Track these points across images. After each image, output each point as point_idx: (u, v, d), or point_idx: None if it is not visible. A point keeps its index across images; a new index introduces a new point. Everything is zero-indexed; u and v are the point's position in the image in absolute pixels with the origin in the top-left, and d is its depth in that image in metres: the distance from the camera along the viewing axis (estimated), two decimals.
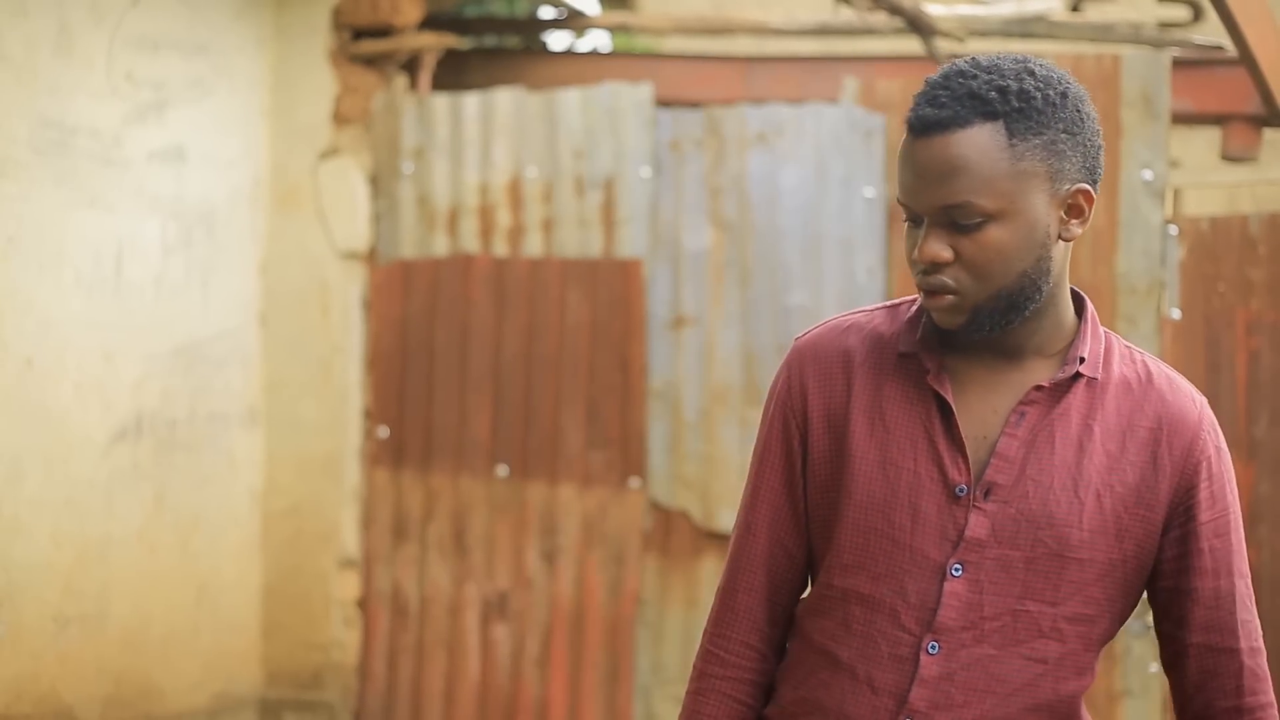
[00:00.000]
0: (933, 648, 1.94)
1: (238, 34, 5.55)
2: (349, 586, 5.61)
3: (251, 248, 5.62)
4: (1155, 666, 4.53)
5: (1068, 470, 1.95)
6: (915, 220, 1.94)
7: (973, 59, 1.95)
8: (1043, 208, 1.91)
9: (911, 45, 6.01)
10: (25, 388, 4.74)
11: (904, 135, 1.95)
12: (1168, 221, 4.62)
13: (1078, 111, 1.93)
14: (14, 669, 4.68)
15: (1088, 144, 1.94)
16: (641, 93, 5.47)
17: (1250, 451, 4.42)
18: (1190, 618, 1.98)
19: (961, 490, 1.95)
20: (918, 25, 5.57)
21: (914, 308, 2.04)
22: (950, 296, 1.92)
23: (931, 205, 1.91)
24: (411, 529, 5.60)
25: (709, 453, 5.35)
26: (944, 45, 5.67)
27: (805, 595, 2.08)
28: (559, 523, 5.47)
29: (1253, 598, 2.01)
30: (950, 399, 1.96)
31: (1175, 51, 5.30)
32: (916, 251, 1.93)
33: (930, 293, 1.93)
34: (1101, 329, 2.03)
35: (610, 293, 5.44)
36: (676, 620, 5.33)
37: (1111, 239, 4.68)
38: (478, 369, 5.55)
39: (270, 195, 5.67)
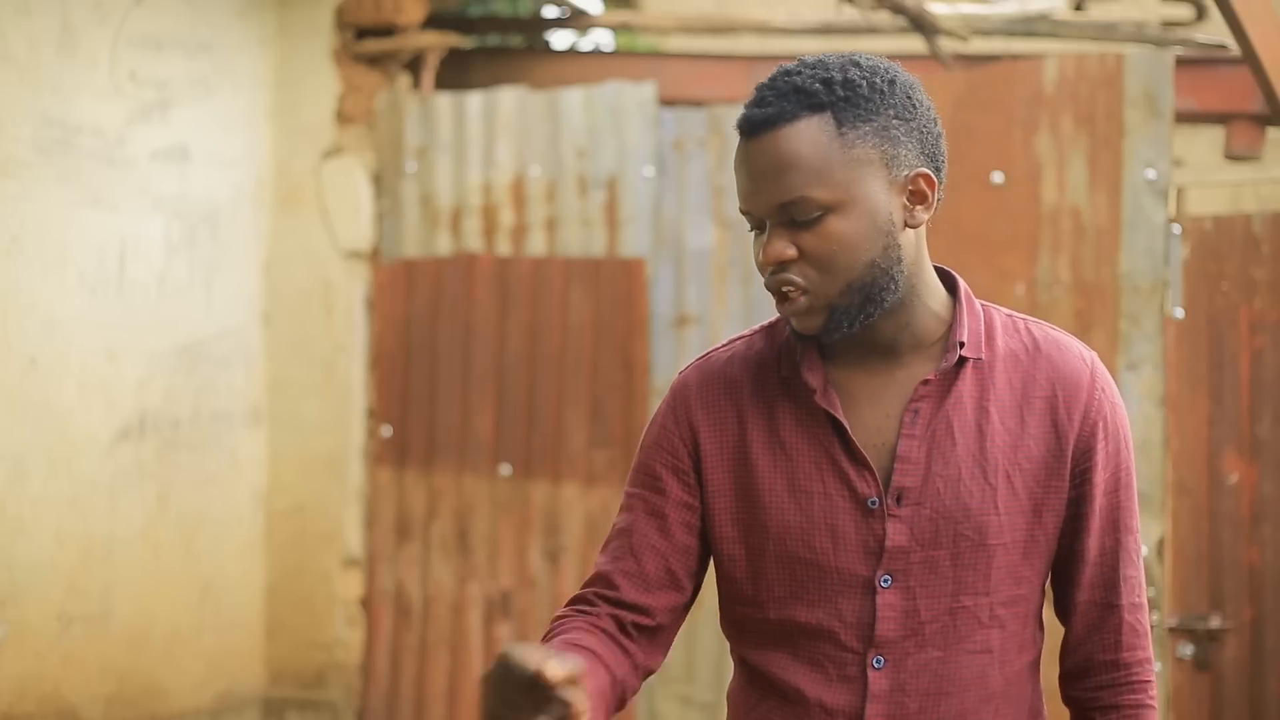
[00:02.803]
0: (878, 662, 1.94)
1: (241, 33, 5.55)
2: (352, 585, 5.61)
3: (255, 247, 5.62)
4: (1158, 666, 4.52)
5: (973, 458, 1.94)
6: (759, 226, 1.93)
7: (801, 59, 1.95)
8: (881, 195, 1.90)
9: (915, 44, 6.01)
10: (29, 387, 4.74)
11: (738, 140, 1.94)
12: (1171, 220, 4.62)
13: (908, 98, 1.92)
14: (18, 668, 4.69)
15: (923, 130, 1.93)
16: (645, 92, 5.47)
17: (1254, 451, 4.41)
18: (1079, 576, 2.00)
19: (874, 503, 1.94)
20: (921, 24, 5.57)
21: (789, 328, 2.02)
22: (802, 297, 1.90)
23: (769, 205, 1.90)
24: (415, 528, 5.60)
25: None
26: (947, 44, 5.67)
27: (734, 633, 2.05)
28: (562, 522, 5.47)
29: (1139, 552, 2.03)
30: (840, 415, 1.95)
31: (1179, 50, 5.30)
32: (760, 254, 1.91)
33: (782, 296, 1.92)
34: (978, 304, 2.01)
35: (613, 292, 5.44)
36: None
37: (1114, 238, 4.68)
38: (481, 368, 5.55)
39: (273, 194, 5.67)
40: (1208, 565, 4.40)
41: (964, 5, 5.85)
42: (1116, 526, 2.00)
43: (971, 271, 4.79)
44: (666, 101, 5.54)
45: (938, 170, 1.95)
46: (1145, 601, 2.03)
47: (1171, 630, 4.47)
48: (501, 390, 5.54)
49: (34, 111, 4.77)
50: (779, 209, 1.89)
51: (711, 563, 2.07)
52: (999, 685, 1.96)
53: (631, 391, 5.42)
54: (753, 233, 1.95)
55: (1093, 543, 1.99)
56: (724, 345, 2.09)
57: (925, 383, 1.95)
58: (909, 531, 1.93)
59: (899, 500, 1.93)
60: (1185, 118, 5.18)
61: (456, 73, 5.89)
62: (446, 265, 5.60)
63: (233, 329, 5.53)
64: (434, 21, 5.84)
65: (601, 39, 8.69)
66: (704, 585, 2.10)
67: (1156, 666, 4.50)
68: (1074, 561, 2.00)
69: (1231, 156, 5.41)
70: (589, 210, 5.50)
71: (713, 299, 5.38)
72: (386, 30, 5.68)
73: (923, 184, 1.92)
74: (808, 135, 1.88)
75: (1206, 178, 7.13)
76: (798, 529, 1.95)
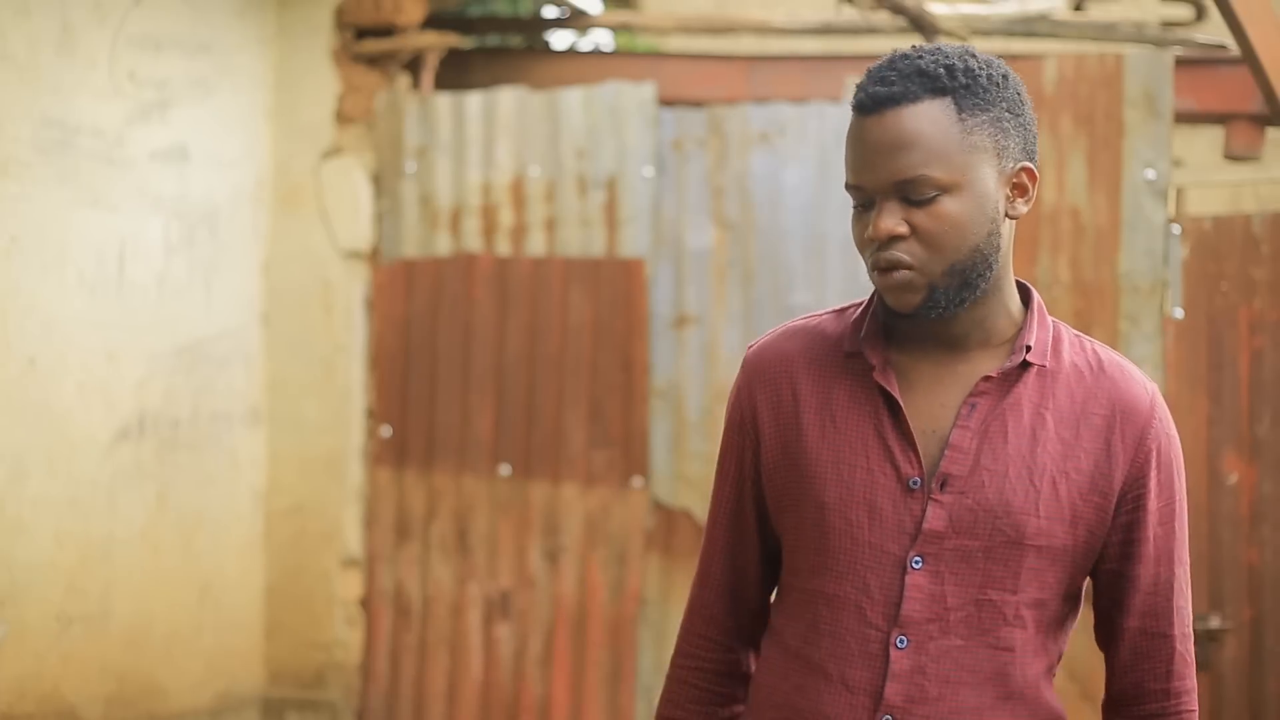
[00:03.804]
0: (901, 642, 1.95)
1: (240, 33, 5.55)
2: (352, 586, 5.61)
3: (254, 247, 5.62)
4: None
5: (1022, 459, 1.97)
6: (865, 203, 1.97)
7: (915, 46, 2.01)
8: (991, 183, 1.95)
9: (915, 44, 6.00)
10: (28, 387, 4.74)
11: (852, 117, 1.97)
12: (1170, 221, 4.62)
13: (1017, 93, 1.99)
14: (17, 668, 4.69)
15: (1027, 126, 1.99)
16: (644, 92, 5.47)
17: (1253, 451, 4.41)
18: (1129, 602, 2.02)
19: (915, 483, 1.97)
20: (921, 24, 5.57)
21: (860, 309, 2.07)
22: (906, 272, 1.94)
23: (885, 181, 1.93)
24: (414, 528, 5.60)
25: (712, 452, 5.35)
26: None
27: (775, 598, 2.10)
28: (561, 522, 5.47)
29: (1189, 584, 2.06)
30: (896, 393, 1.98)
31: (1178, 50, 5.30)
32: (870, 229, 1.95)
33: (885, 271, 1.95)
34: (1050, 318, 2.05)
35: (613, 292, 5.44)
36: (679, 620, 5.32)
37: (1114, 238, 4.68)
38: (480, 368, 5.55)
39: (273, 195, 5.67)
40: (1207, 565, 4.40)
41: (964, 5, 5.85)
42: (1171, 558, 2.03)
43: None
44: (666, 101, 5.54)
45: (1035, 161, 2.01)
46: (1191, 633, 2.06)
47: None
48: (501, 390, 5.54)
49: (34, 111, 4.77)
50: (895, 186, 1.93)
51: None
52: (1018, 686, 1.98)
53: (631, 392, 5.42)
54: (855, 209, 1.98)
55: (1146, 571, 2.01)
56: (795, 320, 2.15)
57: (987, 379, 1.98)
58: (948, 517, 1.95)
59: (943, 486, 1.96)
60: (1185, 118, 5.18)
61: (456, 73, 5.89)
62: (446, 265, 5.59)
63: (232, 329, 5.53)
64: (434, 21, 5.84)
65: (601, 39, 8.68)
66: None
67: None
68: (1125, 587, 2.02)
69: (1231, 156, 5.41)
70: (589, 210, 5.50)
71: (712, 299, 5.38)
72: (386, 30, 5.68)
73: (1025, 178, 1.98)
74: (930, 116, 1.92)
75: (1206, 178, 7.13)
76: (837, 500, 1.99)
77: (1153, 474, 2.01)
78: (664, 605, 5.37)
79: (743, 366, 2.14)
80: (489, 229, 5.59)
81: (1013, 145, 1.96)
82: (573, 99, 5.53)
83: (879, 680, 1.95)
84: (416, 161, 5.65)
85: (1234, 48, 4.79)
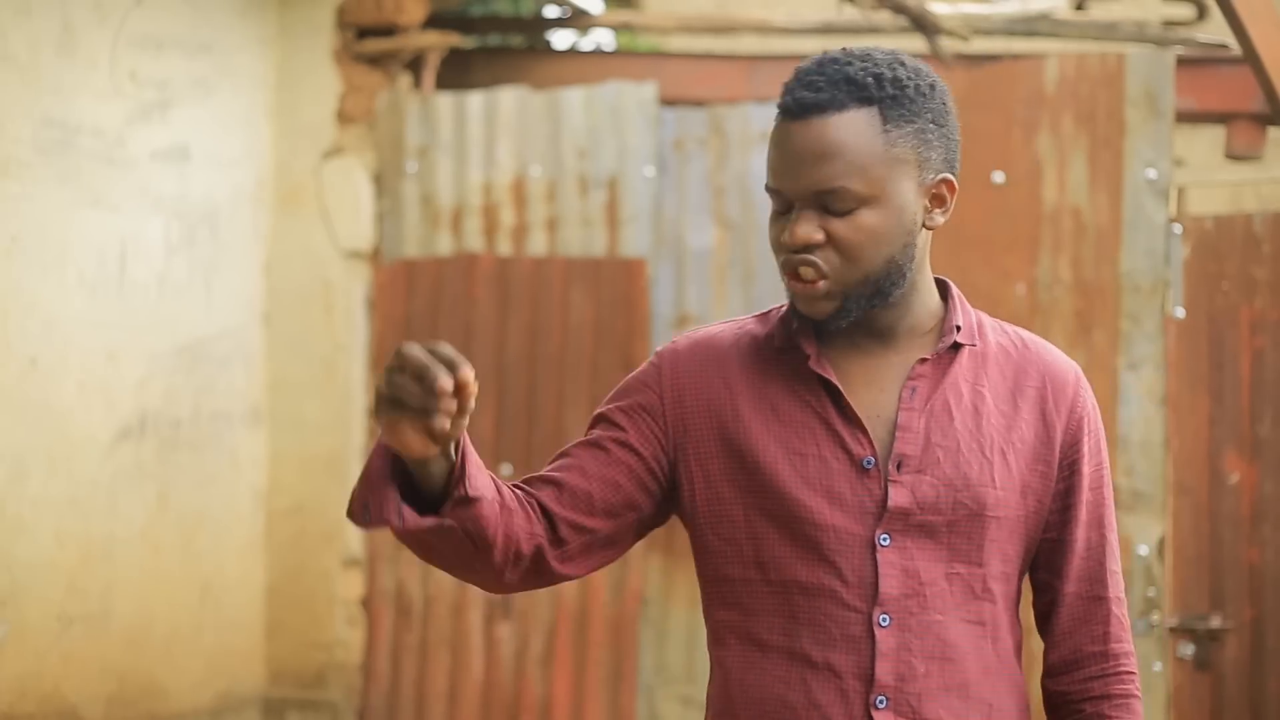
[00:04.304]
0: (884, 620, 1.95)
1: (241, 33, 5.55)
2: (353, 585, 5.61)
3: (255, 247, 5.62)
4: (1159, 665, 4.52)
5: (970, 434, 1.99)
6: (784, 208, 1.96)
7: (844, 49, 1.98)
8: (911, 195, 1.95)
9: (916, 44, 6.00)
10: (29, 387, 4.74)
11: (776, 118, 1.96)
12: (1172, 220, 4.62)
13: (943, 104, 1.98)
14: (18, 668, 4.69)
15: (950, 136, 1.99)
16: (645, 92, 5.47)
17: (1254, 451, 4.41)
18: (1067, 568, 2.05)
19: (869, 462, 1.97)
20: (922, 24, 5.56)
21: (785, 309, 2.05)
22: (821, 281, 1.94)
23: (805, 190, 1.93)
24: None
25: None
26: (948, 44, 5.67)
27: (741, 600, 2.02)
28: None
29: (1118, 548, 2.09)
30: (834, 378, 1.99)
31: (1179, 50, 5.30)
32: (787, 234, 1.94)
33: (798, 278, 1.95)
34: (970, 308, 2.07)
35: (614, 292, 5.44)
36: (680, 619, 5.33)
37: (1115, 238, 4.68)
38: (481, 368, 5.55)
39: (274, 194, 5.67)
40: (1208, 565, 4.40)
41: (965, 5, 5.85)
42: (1102, 522, 2.06)
43: (972, 271, 4.80)
44: (667, 101, 5.54)
45: (955, 176, 2.01)
46: (1126, 598, 2.09)
47: (1172, 630, 4.47)
48: (502, 390, 5.53)
49: (34, 112, 4.77)
50: (815, 195, 1.93)
51: (695, 542, 2.06)
52: (994, 662, 1.99)
53: None
54: (774, 212, 1.97)
55: (1081, 534, 2.04)
56: (719, 324, 2.12)
57: (922, 361, 2.00)
58: (911, 495, 1.96)
59: (900, 467, 1.96)
60: (1186, 117, 5.18)
61: (457, 73, 5.89)
62: (447, 265, 5.59)
63: (233, 329, 5.52)
64: (435, 21, 5.83)
65: (602, 39, 8.68)
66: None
67: (1157, 666, 4.52)
68: (1062, 553, 2.05)
69: (1232, 156, 5.41)
70: (589, 210, 5.50)
71: (713, 299, 5.38)
72: (387, 30, 5.68)
73: (945, 189, 1.99)
74: (855, 127, 1.92)
75: (1207, 177, 7.13)
76: (793, 488, 1.97)
77: (1085, 440, 2.04)
78: (665, 605, 5.36)
79: (660, 355, 2.09)
80: (490, 229, 5.59)
81: (935, 157, 1.96)
82: (574, 99, 5.53)
83: (867, 662, 1.95)
84: (418, 161, 5.65)
85: (1235, 47, 4.79)
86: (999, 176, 4.82)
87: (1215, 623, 4.37)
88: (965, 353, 2.02)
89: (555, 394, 5.49)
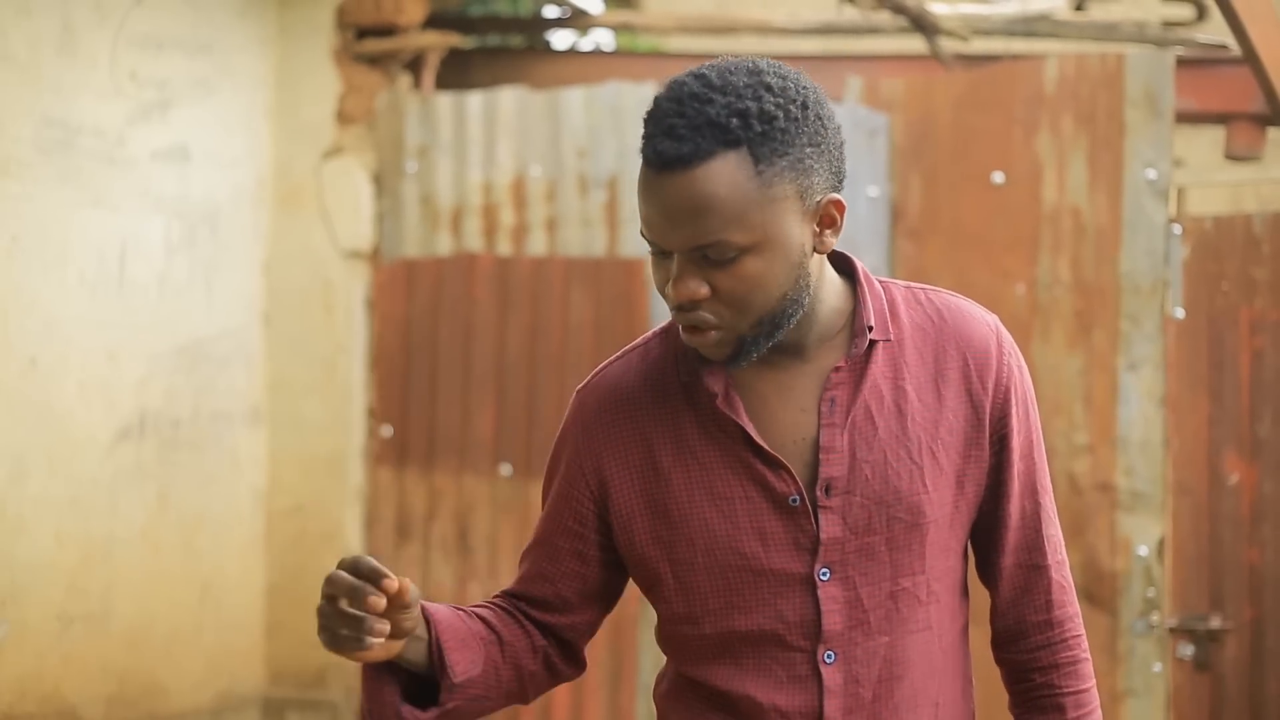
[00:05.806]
0: (829, 657, 1.92)
1: (241, 33, 5.55)
2: None
3: (255, 247, 5.62)
4: (1159, 666, 4.52)
5: (896, 440, 1.93)
6: (663, 252, 1.86)
7: (702, 78, 1.83)
8: (796, 228, 1.85)
9: (916, 44, 6.01)
10: (29, 387, 4.74)
11: (641, 165, 1.84)
12: (1171, 221, 4.62)
13: (819, 120, 1.85)
14: (18, 668, 4.69)
15: (832, 151, 1.87)
16: (645, 92, 5.47)
17: (1254, 451, 4.41)
18: (1004, 541, 2.01)
19: (794, 500, 1.91)
20: (922, 24, 5.57)
21: None
22: (713, 332, 1.87)
23: (682, 245, 1.83)
24: (415, 528, 5.60)
25: None
26: (948, 44, 5.67)
27: (682, 648, 2.02)
28: None
29: (1055, 510, 2.05)
30: (743, 420, 1.92)
31: (1179, 50, 5.30)
32: (670, 290, 1.86)
33: (691, 330, 1.88)
34: (879, 284, 1.99)
35: (614, 292, 5.44)
36: None
37: (1115, 238, 4.68)
38: (481, 368, 5.55)
39: (274, 194, 5.67)
40: (1208, 565, 4.40)
41: (965, 5, 5.85)
42: (1035, 489, 2.02)
43: (972, 271, 4.81)
44: None
45: (840, 185, 1.90)
46: (1066, 558, 2.06)
47: (1171, 630, 4.47)
48: (502, 390, 5.54)
49: (34, 111, 4.77)
50: (693, 249, 1.83)
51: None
52: (939, 659, 1.98)
53: None
54: (652, 255, 1.88)
55: (1014, 506, 2.00)
56: (619, 356, 2.05)
57: (838, 370, 1.93)
58: (842, 521, 1.91)
59: (828, 491, 1.91)
60: (1186, 118, 5.18)
61: (457, 73, 5.89)
62: (447, 265, 5.59)
63: (233, 329, 5.53)
64: (434, 21, 5.84)
65: (602, 39, 8.69)
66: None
67: (1157, 667, 4.52)
68: (997, 526, 2.01)
69: (1232, 156, 5.41)
70: (589, 210, 5.50)
71: None
72: (387, 30, 5.68)
73: (833, 210, 1.88)
74: (725, 176, 1.79)
75: (1207, 178, 7.14)
76: (724, 536, 1.93)
77: (1013, 410, 1.98)
78: None
79: (576, 409, 2.04)
80: (490, 229, 5.59)
81: (817, 182, 1.84)
82: (574, 99, 5.53)
83: (814, 701, 1.92)
84: (417, 161, 5.65)
85: (1235, 47, 4.79)
86: (999, 177, 4.82)
87: (1215, 623, 4.38)
88: (880, 348, 1.94)
89: (555, 394, 5.49)
